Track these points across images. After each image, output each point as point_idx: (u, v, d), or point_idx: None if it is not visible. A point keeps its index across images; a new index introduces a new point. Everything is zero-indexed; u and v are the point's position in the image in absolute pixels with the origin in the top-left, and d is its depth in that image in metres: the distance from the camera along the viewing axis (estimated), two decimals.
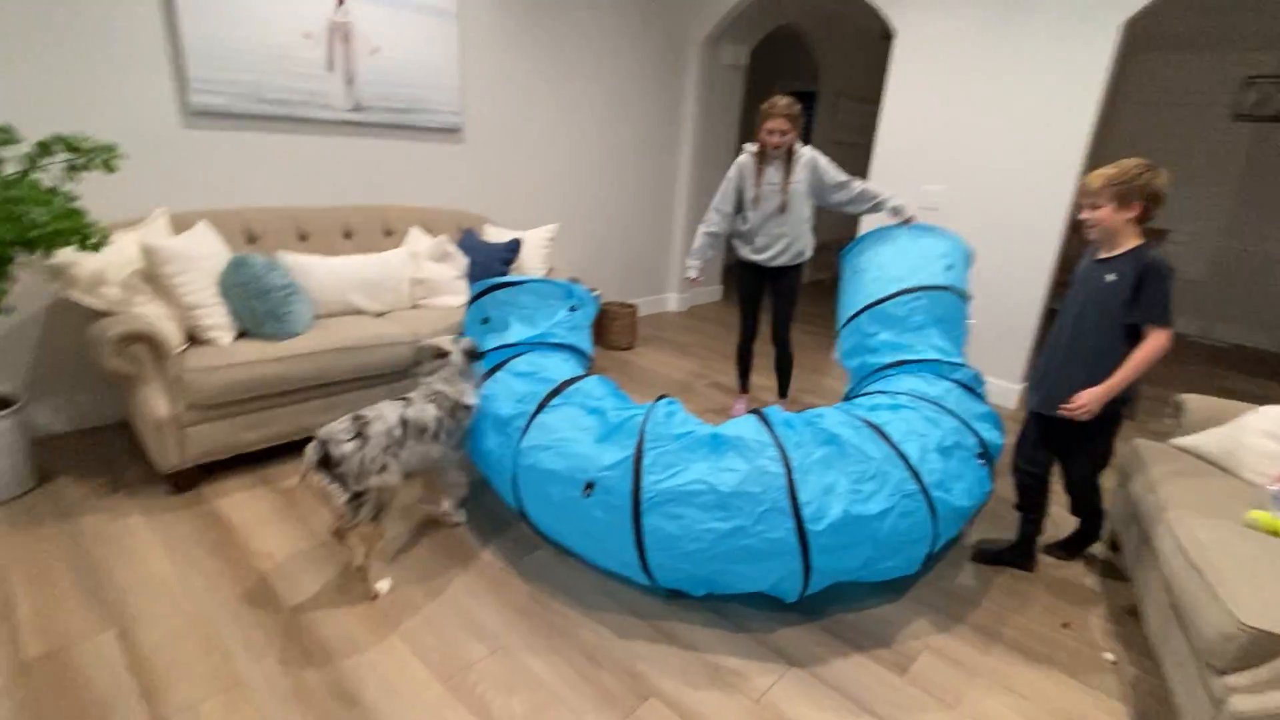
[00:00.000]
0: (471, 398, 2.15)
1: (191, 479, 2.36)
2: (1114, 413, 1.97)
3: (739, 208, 2.99)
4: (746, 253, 3.05)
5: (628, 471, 1.85)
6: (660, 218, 5.06)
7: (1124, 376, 1.86)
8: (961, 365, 2.45)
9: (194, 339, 2.41)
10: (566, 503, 1.92)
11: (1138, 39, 5.17)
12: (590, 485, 1.87)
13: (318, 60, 2.96)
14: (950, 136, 3.65)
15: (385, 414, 1.87)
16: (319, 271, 2.76)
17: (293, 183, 3.02)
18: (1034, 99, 3.34)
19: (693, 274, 3.07)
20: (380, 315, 2.95)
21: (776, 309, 3.13)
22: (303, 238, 2.95)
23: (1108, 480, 2.23)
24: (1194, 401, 2.24)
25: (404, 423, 1.91)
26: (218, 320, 2.41)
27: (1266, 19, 4.65)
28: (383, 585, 1.92)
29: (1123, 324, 1.89)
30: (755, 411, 2.06)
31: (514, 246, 3.26)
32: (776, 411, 2.05)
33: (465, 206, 3.72)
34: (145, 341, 2.15)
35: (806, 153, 2.89)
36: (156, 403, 2.20)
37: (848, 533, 1.79)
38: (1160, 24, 4.94)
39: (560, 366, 2.34)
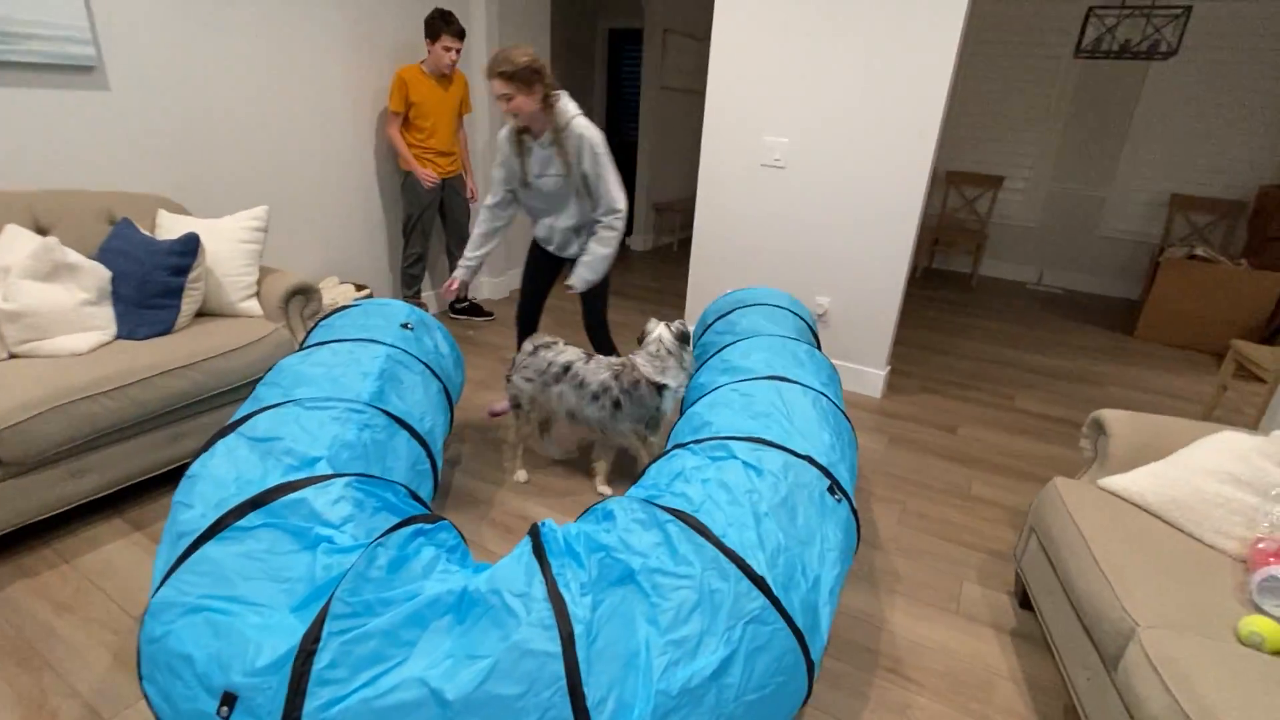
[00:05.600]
0: (667, 378, 2.09)
1: None
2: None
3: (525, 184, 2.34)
4: (536, 230, 2.50)
5: (285, 681, 1.01)
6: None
7: None
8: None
9: None
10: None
11: None
12: (229, 701, 1.02)
13: None
14: (793, 81, 2.96)
15: (564, 353, 2.13)
16: None
17: None
18: (888, 38, 2.71)
19: (455, 286, 2.46)
20: None
21: (582, 307, 2.56)
22: None
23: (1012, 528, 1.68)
24: (1117, 423, 1.72)
25: (566, 368, 2.11)
26: None
27: None
28: (520, 475, 2.30)
29: None
30: (532, 531, 1.25)
31: (189, 245, 2.14)
32: (555, 531, 1.24)
33: (125, 184, 2.50)
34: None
35: (577, 128, 2.15)
36: None
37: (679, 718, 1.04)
38: None
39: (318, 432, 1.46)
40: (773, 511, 1.31)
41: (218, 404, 2.17)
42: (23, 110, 2.19)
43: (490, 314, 3.96)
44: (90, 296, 2.01)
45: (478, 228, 2.43)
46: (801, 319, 2.44)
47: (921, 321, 4.45)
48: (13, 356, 1.91)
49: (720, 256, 3.42)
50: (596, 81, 6.35)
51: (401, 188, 3.49)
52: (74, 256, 1.99)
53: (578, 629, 1.05)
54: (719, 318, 2.45)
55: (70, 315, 1.96)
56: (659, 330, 2.11)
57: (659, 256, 5.90)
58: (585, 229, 2.36)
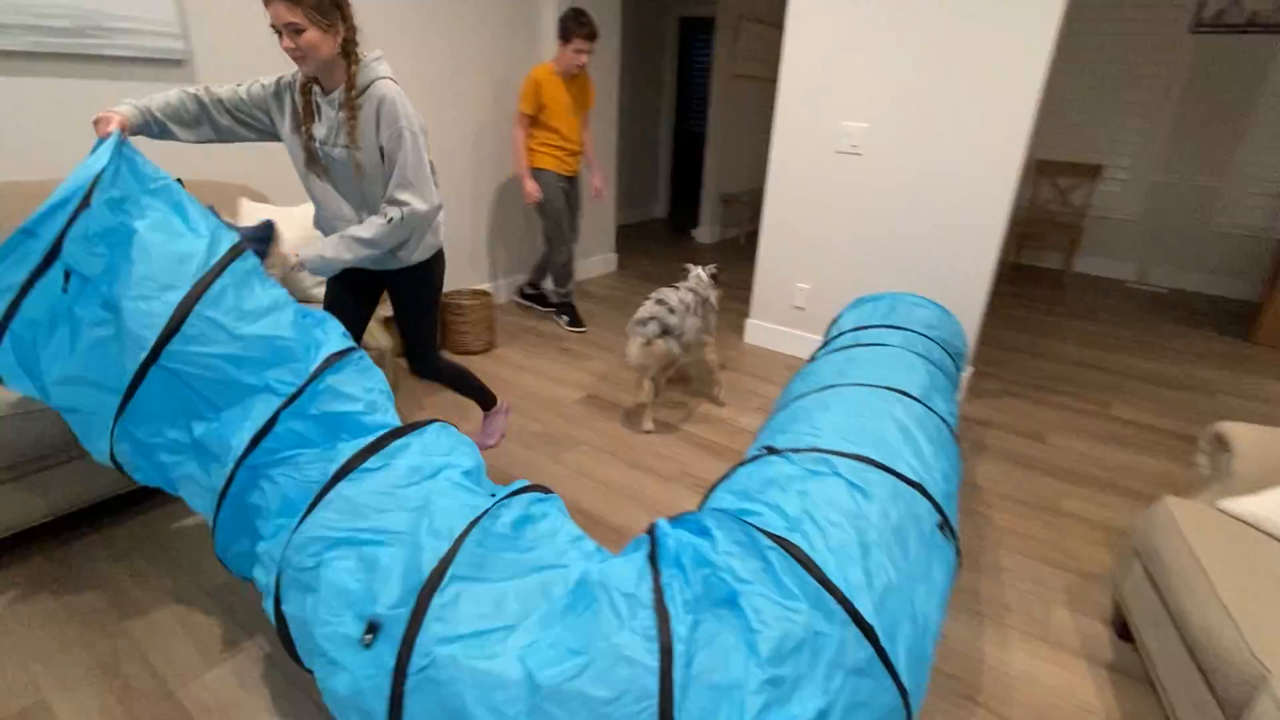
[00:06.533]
0: (712, 299, 2.72)
1: None
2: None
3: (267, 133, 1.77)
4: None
5: (410, 609, 1.08)
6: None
7: None
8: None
9: None
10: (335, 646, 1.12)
11: None
12: (373, 629, 1.08)
13: None
14: (873, 61, 2.80)
15: (678, 294, 2.54)
16: None
17: None
18: (980, 12, 2.51)
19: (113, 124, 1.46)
20: None
21: (400, 329, 2.04)
22: None
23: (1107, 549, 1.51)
24: (1243, 439, 1.52)
25: (685, 298, 2.55)
26: None
27: None
28: (648, 425, 2.62)
29: None
30: (650, 530, 1.22)
31: (265, 233, 2.20)
32: (667, 536, 1.20)
33: (212, 174, 2.60)
34: None
35: (381, 91, 1.64)
36: None
37: None
38: None
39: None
40: (882, 542, 1.20)
41: None
42: (112, 100, 2.30)
43: (553, 306, 3.87)
44: None
45: (169, 97, 1.64)
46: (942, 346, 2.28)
47: (1008, 321, 4.17)
48: None
49: (790, 249, 3.29)
50: (666, 71, 6.26)
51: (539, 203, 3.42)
52: None
53: (677, 648, 1.00)
54: (860, 328, 2.34)
55: None
56: (697, 270, 2.75)
57: (725, 250, 5.78)
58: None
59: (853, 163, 2.97)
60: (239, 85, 1.70)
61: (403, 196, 1.70)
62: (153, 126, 1.61)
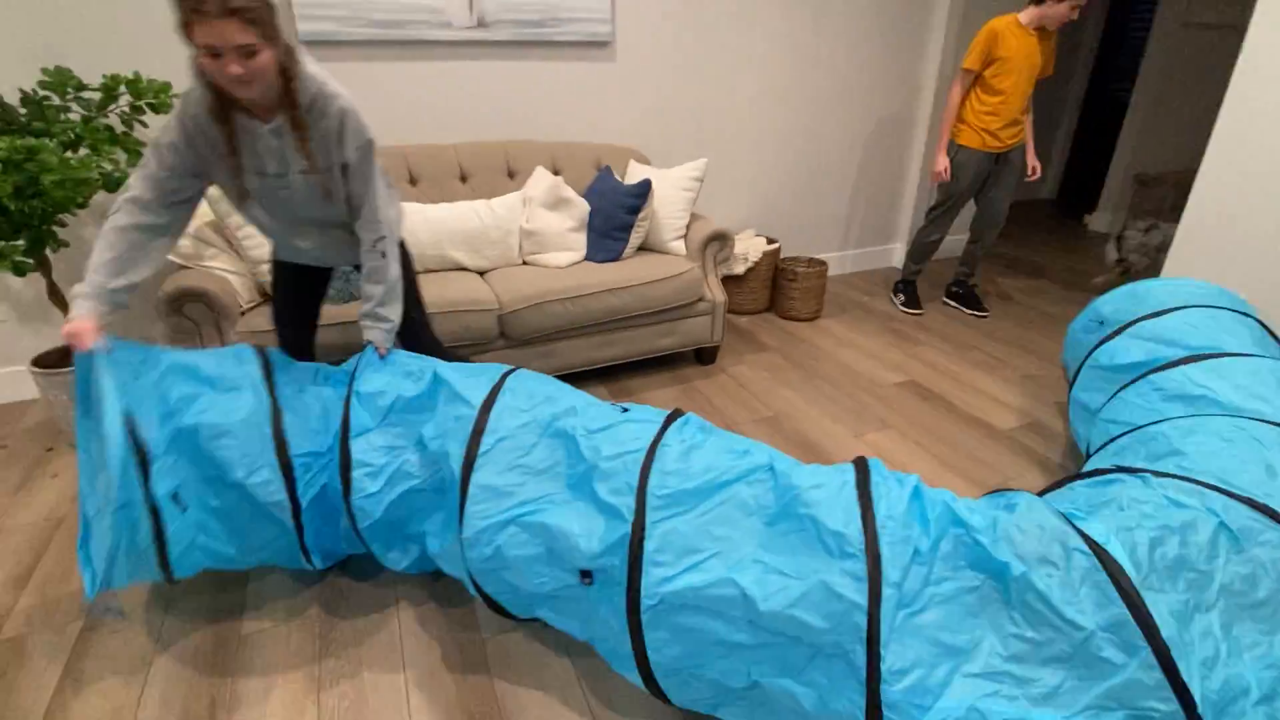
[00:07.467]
0: None
1: None
2: None
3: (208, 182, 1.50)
4: (278, 252, 1.74)
5: (624, 560, 1.20)
6: (888, 143, 3.87)
7: None
8: None
9: (266, 295, 2.27)
10: (561, 592, 1.31)
11: None
12: (588, 574, 1.26)
13: None
14: None
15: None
16: (413, 221, 2.44)
17: (405, 118, 2.72)
18: None
19: (82, 329, 1.30)
20: (484, 273, 2.58)
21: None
22: (413, 182, 2.65)
23: None
24: None
25: None
26: None
27: None
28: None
29: None
30: (857, 463, 1.23)
31: (641, 190, 2.59)
32: (886, 477, 1.20)
33: (613, 138, 3.12)
34: (201, 299, 2.03)
35: (338, 104, 1.39)
36: None
37: None
38: None
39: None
40: (1238, 609, 1.00)
41: (640, 323, 2.62)
42: (556, 79, 2.91)
43: (985, 312, 3.42)
44: (574, 225, 2.62)
45: (106, 251, 1.35)
46: (1263, 326, 1.75)
47: None
48: (524, 263, 2.64)
49: (1216, 244, 2.58)
50: (1089, 25, 5.24)
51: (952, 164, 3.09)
52: (569, 193, 2.62)
53: (888, 592, 1.02)
54: (1132, 322, 1.90)
55: (560, 237, 2.60)
56: None
57: None
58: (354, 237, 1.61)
59: None
60: (144, 169, 1.38)
61: (383, 232, 1.54)
62: (120, 295, 1.37)
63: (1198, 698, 0.90)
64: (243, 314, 2.15)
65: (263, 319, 2.10)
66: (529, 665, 1.48)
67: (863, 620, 1.01)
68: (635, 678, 1.24)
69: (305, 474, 1.44)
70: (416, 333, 1.80)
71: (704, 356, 2.91)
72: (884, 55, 3.58)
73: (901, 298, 3.52)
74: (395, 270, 1.58)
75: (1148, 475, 1.22)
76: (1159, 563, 1.02)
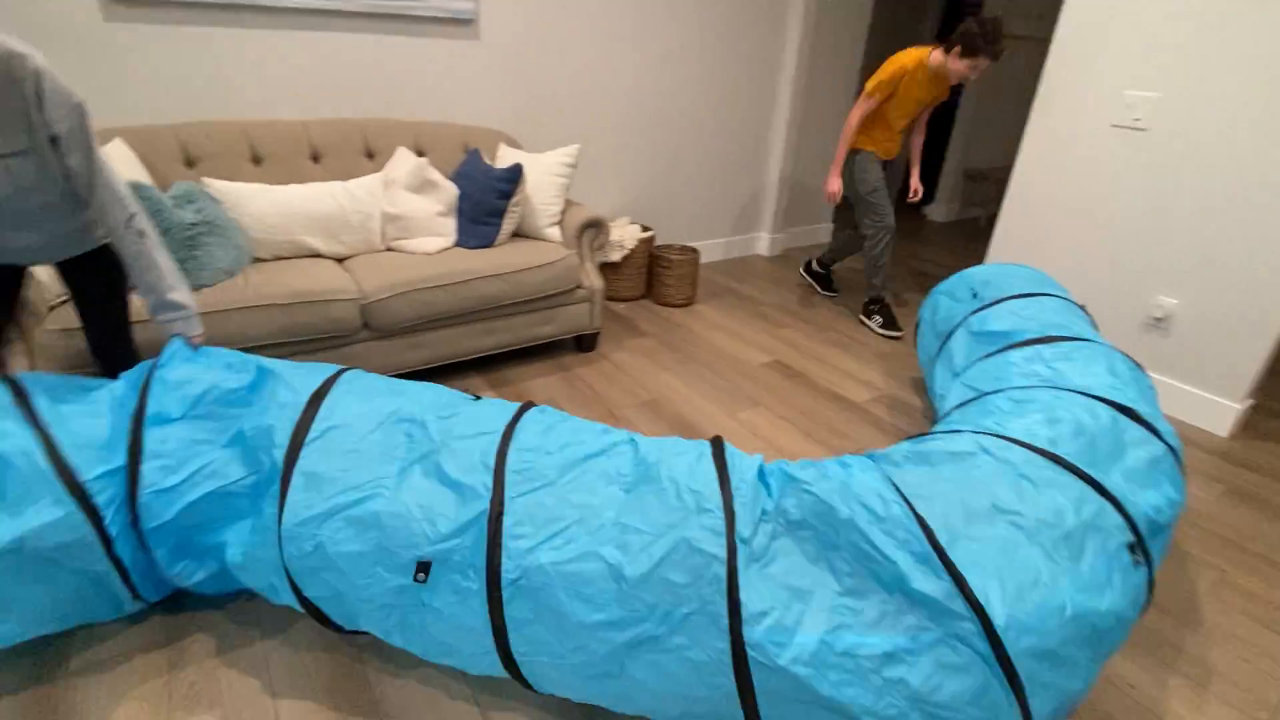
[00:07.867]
0: None
1: None
2: None
3: None
4: None
5: (482, 537, 1.15)
6: (751, 133, 4.05)
7: None
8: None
9: None
10: (391, 600, 1.21)
11: None
12: (424, 569, 1.16)
13: None
14: (1179, 19, 2.34)
15: None
16: (257, 204, 2.23)
17: (244, 91, 2.46)
18: None
19: None
20: (343, 260, 2.41)
21: (99, 321, 1.53)
22: (256, 160, 2.42)
23: None
24: None
25: None
26: None
27: None
28: None
29: None
30: (714, 441, 1.30)
31: (513, 175, 2.52)
32: (736, 454, 1.28)
33: (480, 121, 3.02)
34: None
35: (29, 65, 1.16)
36: (19, 367, 1.81)
37: (831, 673, 1.02)
38: None
39: None
40: (1047, 544, 1.12)
41: (517, 311, 2.56)
42: (414, 54, 2.76)
43: (836, 292, 3.69)
44: (443, 209, 2.51)
45: None
46: (1084, 313, 2.05)
47: None
48: (389, 249, 2.49)
49: (1032, 234, 2.94)
50: (926, 30, 5.76)
51: (851, 172, 3.14)
52: (436, 176, 2.50)
53: (741, 549, 1.09)
54: (987, 305, 2.12)
55: (428, 222, 2.48)
56: None
57: (961, 231, 5.27)
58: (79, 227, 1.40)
59: (1131, 139, 2.55)
60: None
61: (120, 188, 1.33)
62: None
63: (996, 618, 1.02)
64: (51, 309, 1.87)
65: (65, 318, 1.84)
66: (408, 660, 1.41)
67: (722, 571, 1.07)
68: (496, 666, 1.21)
69: (104, 493, 1.23)
70: (128, 344, 1.58)
71: (584, 344, 2.91)
72: (746, 44, 3.72)
73: (879, 319, 3.25)
74: (161, 248, 1.39)
75: (967, 432, 1.37)
76: (959, 512, 1.14)
